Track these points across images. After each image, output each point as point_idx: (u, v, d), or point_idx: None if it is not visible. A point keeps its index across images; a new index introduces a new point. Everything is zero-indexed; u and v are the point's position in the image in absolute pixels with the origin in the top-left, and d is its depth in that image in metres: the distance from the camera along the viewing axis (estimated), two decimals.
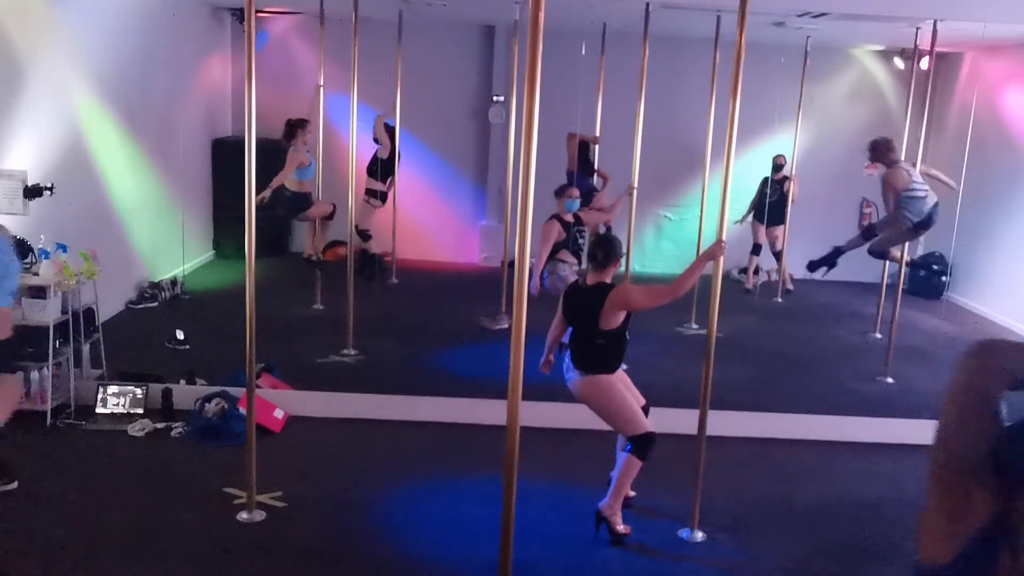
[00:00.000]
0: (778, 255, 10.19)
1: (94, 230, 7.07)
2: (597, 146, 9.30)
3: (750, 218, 10.20)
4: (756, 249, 10.31)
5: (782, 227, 10.05)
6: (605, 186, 9.23)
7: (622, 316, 4.53)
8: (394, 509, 4.76)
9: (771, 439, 5.97)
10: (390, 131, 9.16)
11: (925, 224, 7.23)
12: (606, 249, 4.61)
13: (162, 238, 8.83)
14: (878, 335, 8.59)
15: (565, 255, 6.79)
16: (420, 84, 10.55)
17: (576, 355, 4.61)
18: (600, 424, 5.98)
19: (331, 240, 9.06)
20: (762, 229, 10.16)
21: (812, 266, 8.10)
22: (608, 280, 4.61)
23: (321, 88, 8.16)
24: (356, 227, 8.53)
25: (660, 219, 11.41)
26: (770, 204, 9.98)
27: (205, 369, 6.34)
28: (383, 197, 9.19)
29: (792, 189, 9.96)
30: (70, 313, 5.72)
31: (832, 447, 5.94)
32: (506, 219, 8.70)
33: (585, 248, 6.91)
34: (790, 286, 10.29)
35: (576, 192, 6.97)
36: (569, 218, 6.87)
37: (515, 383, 3.18)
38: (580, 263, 6.83)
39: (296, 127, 8.03)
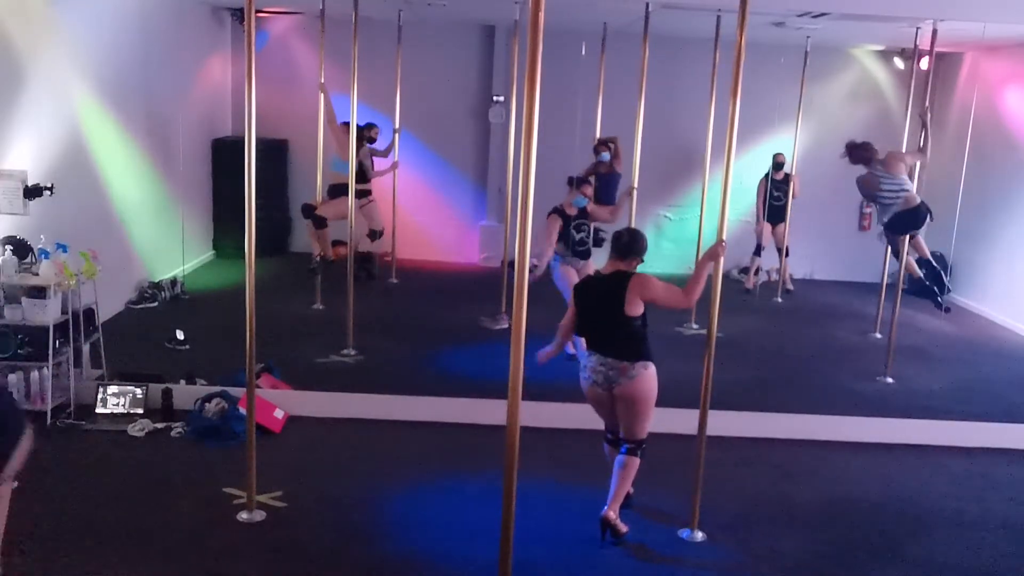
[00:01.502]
0: (784, 252, 10.16)
1: (94, 230, 7.07)
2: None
3: (755, 218, 10.19)
4: (759, 250, 10.29)
5: (784, 225, 10.09)
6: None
7: (641, 307, 4.48)
8: (394, 509, 4.76)
9: (771, 439, 5.96)
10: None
11: (894, 227, 7.28)
12: (631, 238, 4.58)
13: (162, 238, 8.84)
14: (878, 335, 8.59)
15: (561, 249, 6.93)
16: (420, 84, 10.55)
17: (619, 347, 4.42)
18: (599, 424, 6.00)
19: (332, 240, 9.08)
20: (769, 229, 10.13)
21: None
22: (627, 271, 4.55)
23: (323, 84, 8.13)
24: (372, 229, 8.72)
25: (660, 219, 11.40)
26: (780, 205, 9.93)
27: (205, 369, 6.34)
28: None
29: (794, 186, 9.97)
30: (70, 313, 5.73)
31: (832, 447, 5.94)
32: (506, 219, 8.70)
33: (584, 241, 6.99)
34: (790, 286, 10.29)
35: (589, 190, 7.04)
36: (572, 211, 6.92)
37: (515, 383, 3.18)
38: (576, 256, 6.94)
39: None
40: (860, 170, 7.32)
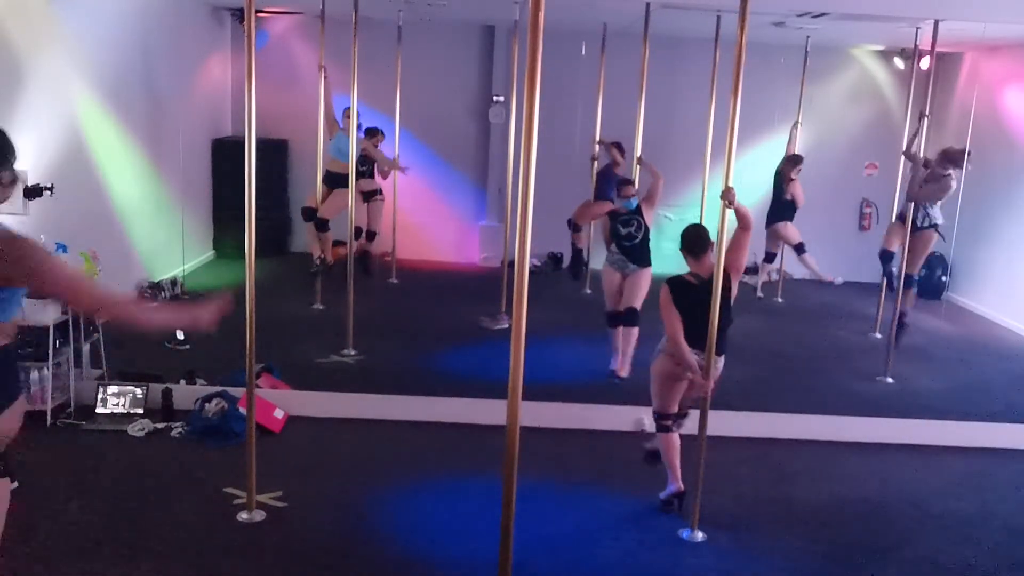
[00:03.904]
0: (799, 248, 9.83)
1: (94, 230, 7.08)
2: (598, 147, 9.31)
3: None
4: (770, 258, 9.91)
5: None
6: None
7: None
8: (394, 509, 4.76)
9: (771, 439, 5.96)
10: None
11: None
12: (701, 239, 4.75)
13: (162, 238, 8.84)
14: (878, 335, 8.59)
15: (612, 244, 6.89)
16: (420, 84, 10.55)
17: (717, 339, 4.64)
18: (599, 424, 6.01)
19: (332, 240, 9.09)
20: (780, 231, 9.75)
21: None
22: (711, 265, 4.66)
23: (323, 75, 8.09)
24: (371, 230, 8.77)
25: (660, 219, 11.38)
26: (786, 203, 9.61)
27: (205, 369, 6.34)
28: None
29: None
30: (70, 313, 5.73)
31: (832, 447, 5.94)
32: (506, 219, 8.70)
33: (633, 237, 6.80)
34: (760, 294, 10.09)
35: (633, 191, 6.85)
36: (623, 212, 6.79)
37: (515, 383, 3.18)
38: (622, 253, 6.79)
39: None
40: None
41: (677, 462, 4.87)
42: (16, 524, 4.32)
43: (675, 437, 4.89)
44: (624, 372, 6.89)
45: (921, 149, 7.43)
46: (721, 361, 4.79)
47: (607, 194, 9.13)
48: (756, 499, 5.13)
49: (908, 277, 7.65)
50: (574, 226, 8.07)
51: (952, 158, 7.42)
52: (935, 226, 7.58)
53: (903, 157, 7.83)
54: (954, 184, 7.43)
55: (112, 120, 7.78)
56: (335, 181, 8.17)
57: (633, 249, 6.77)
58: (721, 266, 4.50)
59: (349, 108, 7.55)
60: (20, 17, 6.26)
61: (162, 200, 8.93)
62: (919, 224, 7.49)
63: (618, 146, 9.01)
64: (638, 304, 6.76)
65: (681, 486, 4.85)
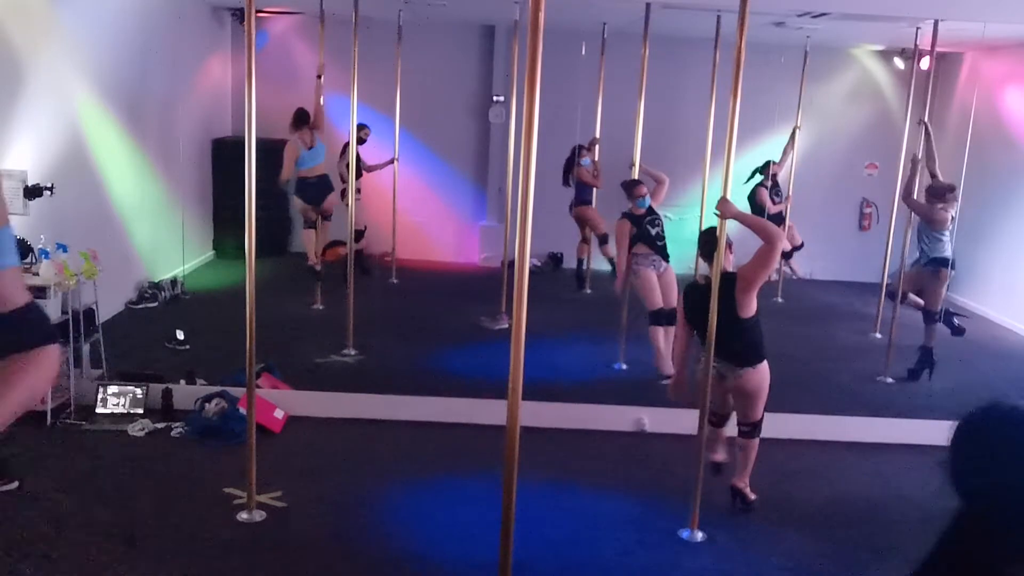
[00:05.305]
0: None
1: (94, 230, 7.07)
2: (597, 147, 9.31)
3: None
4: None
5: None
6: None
7: (755, 302, 4.64)
8: (394, 509, 4.76)
9: (771, 439, 5.94)
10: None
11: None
12: (706, 244, 4.69)
13: (162, 238, 8.83)
14: (878, 335, 8.58)
15: (640, 247, 6.80)
16: (420, 84, 10.55)
17: (734, 349, 4.61)
18: (599, 424, 5.99)
19: (331, 240, 9.10)
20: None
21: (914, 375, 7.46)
22: (728, 269, 4.63)
23: (320, 78, 8.13)
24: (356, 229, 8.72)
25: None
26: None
27: (205, 369, 6.34)
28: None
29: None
30: (70, 313, 5.73)
31: (832, 447, 5.94)
32: (506, 219, 8.70)
33: (662, 236, 6.88)
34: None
35: (644, 190, 6.86)
36: (640, 212, 6.83)
37: (515, 383, 3.18)
38: (657, 253, 6.83)
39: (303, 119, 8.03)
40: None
41: (717, 449, 5.04)
42: (17, 524, 4.32)
43: (719, 432, 5.00)
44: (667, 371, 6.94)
45: (920, 151, 7.42)
46: (745, 374, 4.69)
47: (586, 197, 9.31)
48: (756, 499, 5.13)
49: (928, 314, 7.42)
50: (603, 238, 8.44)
51: (935, 192, 7.24)
52: (940, 260, 7.30)
53: (904, 186, 7.53)
54: (946, 215, 7.15)
55: (112, 120, 7.78)
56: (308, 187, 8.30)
57: (664, 247, 6.90)
58: (719, 270, 4.48)
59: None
60: (20, 17, 6.26)
61: (162, 200, 8.93)
62: (923, 261, 7.35)
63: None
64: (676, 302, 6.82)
65: (717, 458, 5.02)
